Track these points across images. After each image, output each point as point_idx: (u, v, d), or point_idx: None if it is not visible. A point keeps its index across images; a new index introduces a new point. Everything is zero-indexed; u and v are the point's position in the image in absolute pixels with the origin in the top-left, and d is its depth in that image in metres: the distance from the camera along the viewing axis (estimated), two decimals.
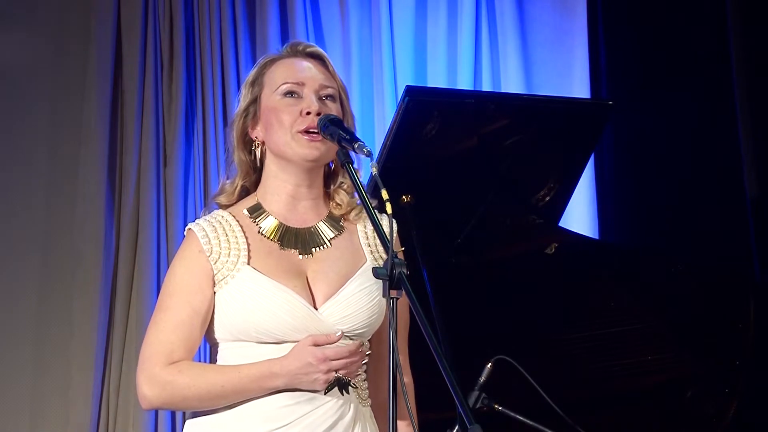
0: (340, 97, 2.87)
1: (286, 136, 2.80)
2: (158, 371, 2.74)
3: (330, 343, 2.70)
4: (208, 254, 2.78)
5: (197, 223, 2.83)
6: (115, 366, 5.01)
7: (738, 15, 4.49)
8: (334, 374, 2.70)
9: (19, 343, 5.10)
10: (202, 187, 5.05)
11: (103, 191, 5.06)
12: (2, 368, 5.08)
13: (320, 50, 2.92)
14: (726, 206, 4.52)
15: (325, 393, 2.73)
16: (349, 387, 2.75)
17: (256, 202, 2.86)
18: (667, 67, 4.69)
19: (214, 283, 2.78)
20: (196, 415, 2.80)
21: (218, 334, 2.80)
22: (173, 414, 4.95)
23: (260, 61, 2.92)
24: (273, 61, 2.89)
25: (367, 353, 2.80)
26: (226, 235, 2.80)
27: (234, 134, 2.88)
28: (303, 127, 2.79)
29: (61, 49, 5.20)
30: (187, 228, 2.85)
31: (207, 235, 2.79)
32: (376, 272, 2.55)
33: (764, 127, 4.46)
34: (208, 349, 4.30)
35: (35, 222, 5.15)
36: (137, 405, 4.94)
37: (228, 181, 2.90)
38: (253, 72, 2.90)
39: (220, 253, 2.78)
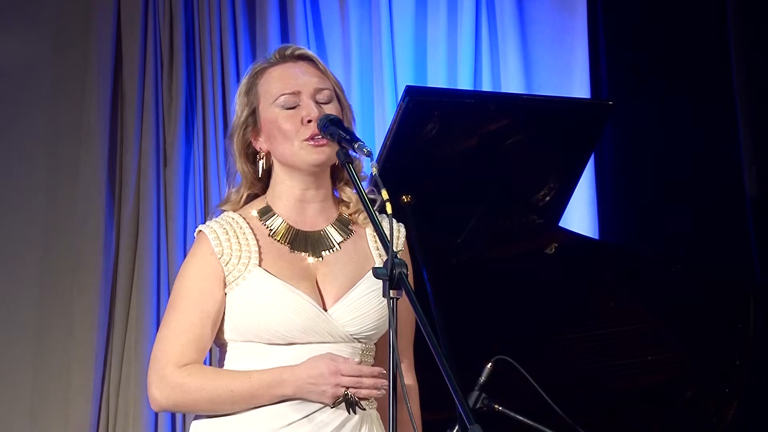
0: (336, 94, 2.87)
1: (293, 147, 2.80)
2: (168, 373, 2.74)
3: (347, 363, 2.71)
4: (219, 256, 2.79)
5: (208, 225, 2.83)
6: (115, 366, 5.01)
7: (738, 15, 4.49)
8: (342, 390, 2.70)
9: (19, 343, 5.09)
10: (202, 188, 5.05)
11: (103, 191, 5.06)
12: (2, 368, 5.08)
13: (308, 51, 2.91)
14: (726, 206, 4.52)
15: (333, 406, 2.72)
16: (356, 407, 2.72)
17: (265, 205, 2.87)
18: (667, 67, 4.69)
19: (225, 285, 2.78)
20: (201, 415, 2.81)
21: (228, 335, 2.80)
22: (173, 414, 4.95)
23: (251, 69, 2.90)
24: (264, 69, 2.88)
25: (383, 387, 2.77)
26: (237, 237, 2.81)
27: (235, 147, 2.88)
28: (308, 136, 2.79)
29: (61, 49, 5.20)
30: (197, 230, 2.85)
31: (218, 237, 2.80)
32: (376, 272, 2.56)
33: (764, 127, 4.46)
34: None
35: (35, 222, 5.15)
36: (137, 405, 4.94)
37: (233, 190, 2.90)
38: (245, 81, 2.89)
39: (231, 255, 2.79)
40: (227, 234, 2.81)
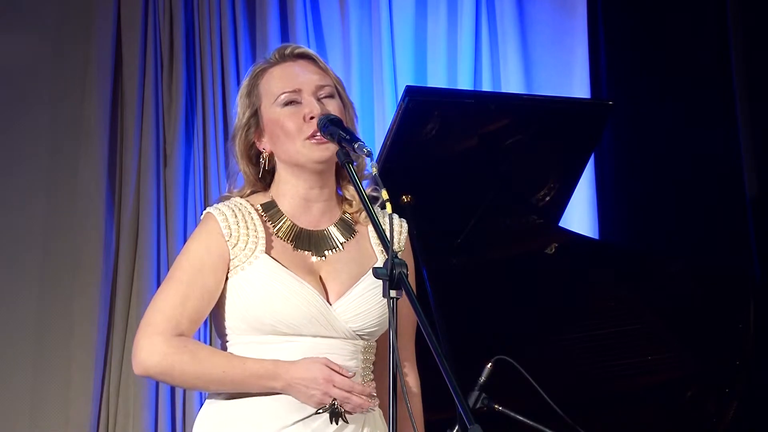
0: (338, 92, 2.87)
1: (296, 145, 2.80)
2: (162, 341, 2.73)
3: (342, 375, 2.71)
4: (227, 238, 2.78)
5: (216, 208, 2.82)
6: (115, 366, 5.01)
7: (738, 15, 4.49)
8: (329, 399, 2.70)
9: (19, 343, 5.10)
10: (202, 187, 5.05)
11: (103, 191, 5.06)
12: (2, 368, 5.08)
13: (308, 50, 2.92)
14: (726, 206, 4.52)
15: (315, 412, 2.73)
16: (340, 419, 2.73)
17: (270, 200, 2.87)
18: (667, 66, 4.69)
19: (229, 269, 2.78)
20: (212, 397, 2.81)
21: (230, 322, 2.80)
22: (173, 413, 4.95)
23: (251, 70, 2.90)
24: (264, 70, 2.88)
25: (374, 405, 2.78)
26: (245, 222, 2.80)
27: (238, 148, 2.87)
28: (310, 133, 2.79)
29: (61, 49, 5.20)
30: (205, 212, 2.84)
31: (227, 219, 2.80)
32: (376, 272, 2.56)
33: (764, 127, 4.46)
34: (208, 340, 4.33)
35: (35, 222, 5.15)
36: (137, 405, 4.94)
37: (236, 191, 2.90)
38: (246, 83, 2.89)
39: (239, 238, 2.78)
40: (236, 217, 2.80)
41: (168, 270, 4.91)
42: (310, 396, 2.70)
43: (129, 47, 5.12)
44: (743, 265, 4.36)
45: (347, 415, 2.74)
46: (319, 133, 2.78)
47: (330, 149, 2.79)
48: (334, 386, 2.69)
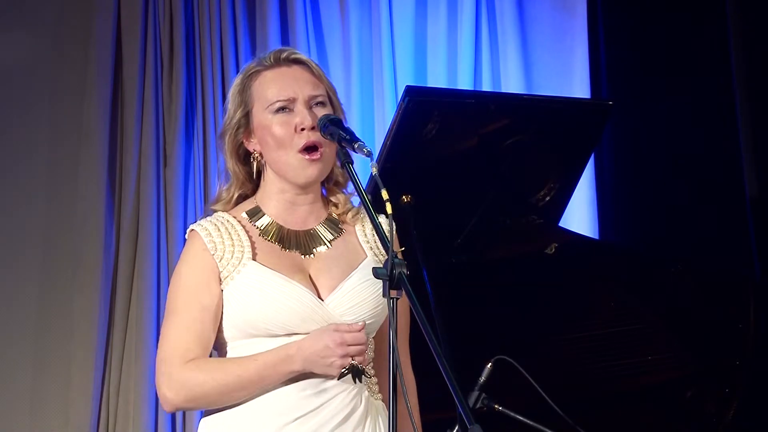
0: (330, 98, 2.89)
1: (287, 157, 2.82)
2: (176, 371, 2.75)
3: (352, 332, 2.71)
4: (212, 252, 2.80)
5: (199, 224, 2.85)
6: (115, 366, 5.02)
7: (738, 15, 4.49)
8: (350, 360, 2.71)
9: (19, 343, 5.10)
10: (202, 187, 5.06)
11: (103, 191, 5.07)
12: (2, 368, 5.09)
13: (303, 56, 2.93)
14: (726, 206, 4.52)
15: (339, 378, 2.74)
16: (363, 376, 2.76)
17: (255, 206, 2.89)
18: (667, 67, 4.69)
19: (221, 281, 2.79)
20: (210, 412, 2.82)
21: (227, 332, 2.81)
22: (173, 413, 4.95)
23: (245, 69, 2.91)
24: (258, 72, 2.89)
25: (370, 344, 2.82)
26: (229, 233, 2.83)
27: (226, 147, 2.89)
28: (302, 145, 2.81)
29: (61, 49, 5.20)
30: (189, 229, 2.87)
31: (210, 234, 2.82)
32: (376, 272, 2.58)
33: (764, 127, 4.46)
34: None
35: (35, 222, 5.15)
36: (137, 405, 4.94)
37: (224, 189, 2.92)
38: (239, 81, 2.90)
39: (224, 250, 2.80)
40: (219, 231, 2.83)
41: (167, 270, 4.98)
42: (330, 364, 2.71)
43: (129, 47, 5.12)
44: (743, 266, 4.36)
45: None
46: (310, 145, 2.79)
47: (319, 168, 2.82)
48: (349, 345, 2.70)
